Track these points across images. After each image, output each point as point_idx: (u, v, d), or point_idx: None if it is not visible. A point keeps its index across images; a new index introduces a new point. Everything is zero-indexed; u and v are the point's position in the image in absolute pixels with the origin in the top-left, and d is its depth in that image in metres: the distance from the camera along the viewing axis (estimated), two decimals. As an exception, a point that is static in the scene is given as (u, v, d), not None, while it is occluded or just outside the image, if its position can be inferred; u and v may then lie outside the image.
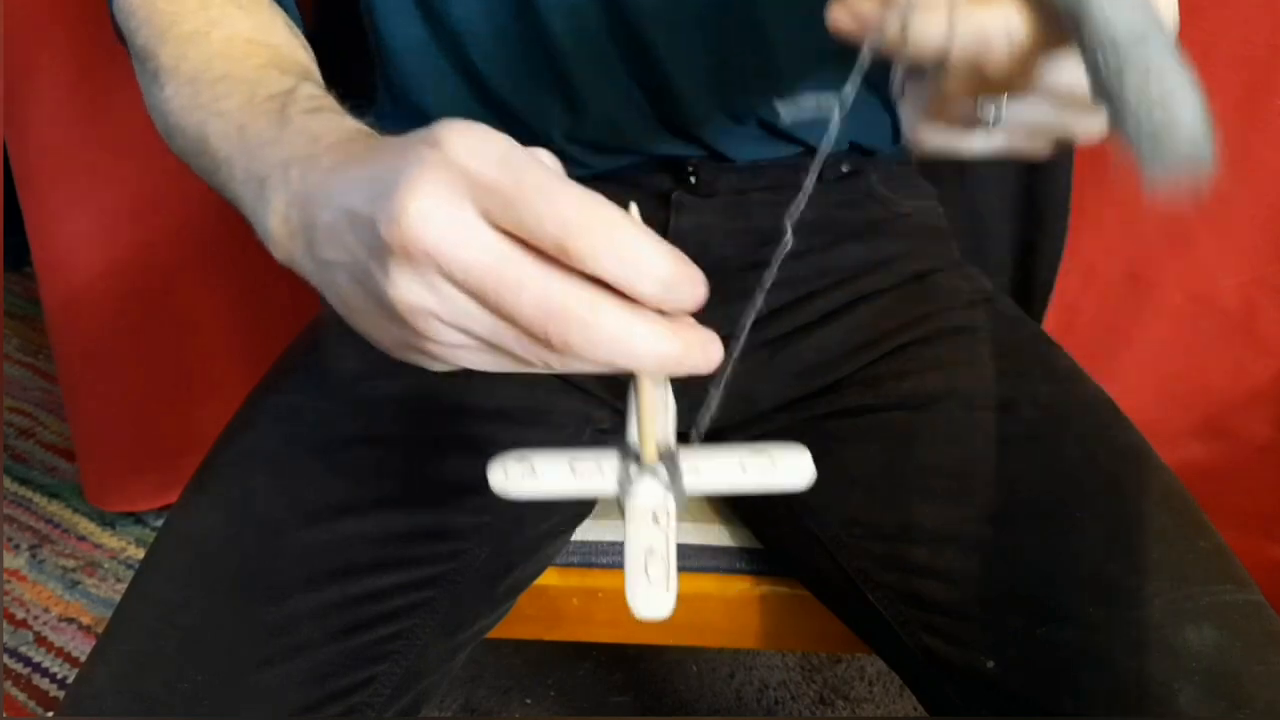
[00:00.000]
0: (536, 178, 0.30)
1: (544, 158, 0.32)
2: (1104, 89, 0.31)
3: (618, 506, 0.37)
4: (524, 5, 0.55)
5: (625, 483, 0.37)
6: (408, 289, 0.31)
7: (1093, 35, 0.31)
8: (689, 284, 0.31)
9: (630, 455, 0.37)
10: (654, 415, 0.36)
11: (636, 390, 0.35)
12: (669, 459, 0.37)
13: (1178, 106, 0.30)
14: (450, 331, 0.32)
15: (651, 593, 0.36)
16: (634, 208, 0.34)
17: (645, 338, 0.30)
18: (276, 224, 0.36)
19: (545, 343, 0.30)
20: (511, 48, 0.57)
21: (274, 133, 0.39)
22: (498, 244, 0.30)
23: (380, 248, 0.31)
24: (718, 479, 0.37)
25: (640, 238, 0.30)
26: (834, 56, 0.62)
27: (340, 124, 0.39)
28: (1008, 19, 0.33)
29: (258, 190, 0.38)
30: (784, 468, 0.37)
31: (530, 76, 0.58)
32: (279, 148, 0.38)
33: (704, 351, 0.32)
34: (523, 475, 0.37)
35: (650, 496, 0.37)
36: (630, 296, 0.31)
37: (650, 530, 0.37)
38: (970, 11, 0.33)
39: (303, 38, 0.52)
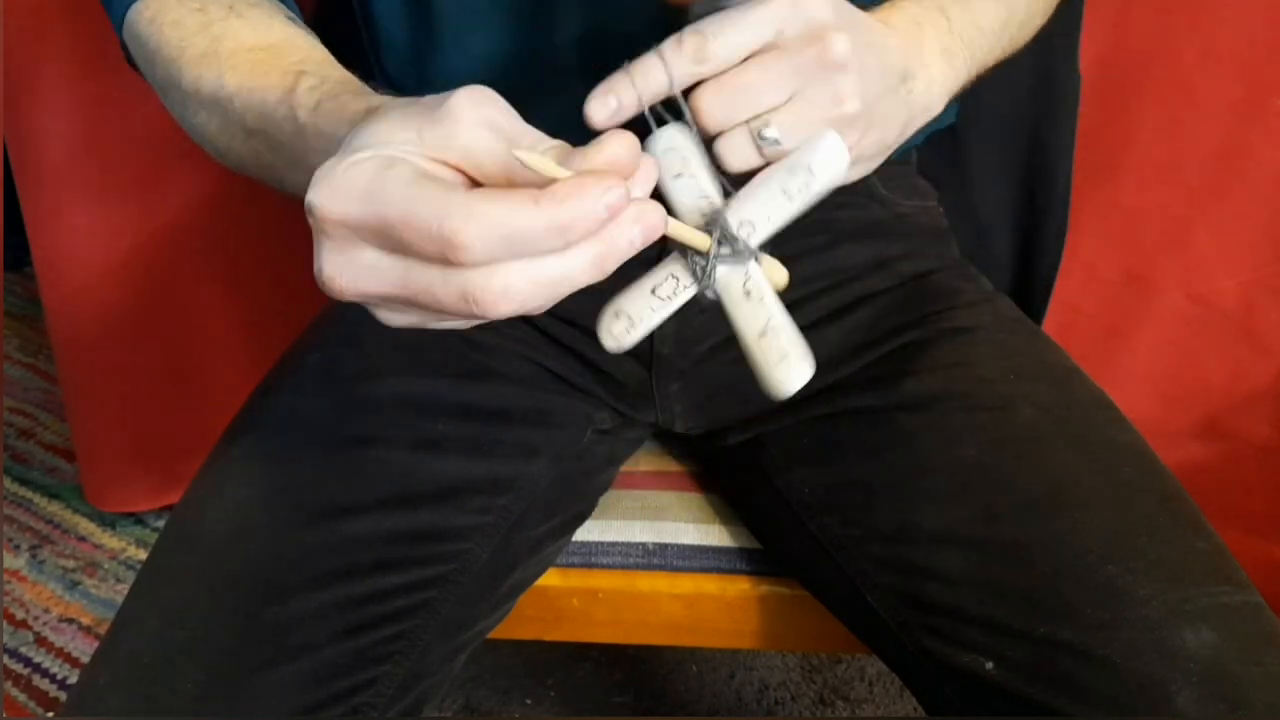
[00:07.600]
0: (394, 209, 0.31)
1: (413, 161, 0.32)
2: None
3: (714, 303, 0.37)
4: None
5: (703, 280, 0.37)
6: (390, 318, 0.35)
7: None
8: (585, 213, 0.30)
9: (689, 254, 0.37)
10: (679, 229, 0.36)
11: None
12: (725, 238, 0.36)
13: None
14: (450, 322, 0.34)
15: (782, 366, 0.36)
16: (526, 154, 0.32)
17: (557, 269, 0.31)
18: None
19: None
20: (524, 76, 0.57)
21: (302, 146, 0.41)
22: (394, 268, 0.32)
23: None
24: (775, 220, 0.36)
25: (502, 217, 0.30)
26: None
27: (339, 114, 0.40)
28: None
29: None
30: (822, 168, 0.36)
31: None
32: (309, 159, 0.39)
33: (633, 223, 0.32)
34: (626, 330, 0.38)
35: (730, 277, 0.37)
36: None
37: (750, 309, 0.37)
38: None
39: (303, 25, 0.52)
